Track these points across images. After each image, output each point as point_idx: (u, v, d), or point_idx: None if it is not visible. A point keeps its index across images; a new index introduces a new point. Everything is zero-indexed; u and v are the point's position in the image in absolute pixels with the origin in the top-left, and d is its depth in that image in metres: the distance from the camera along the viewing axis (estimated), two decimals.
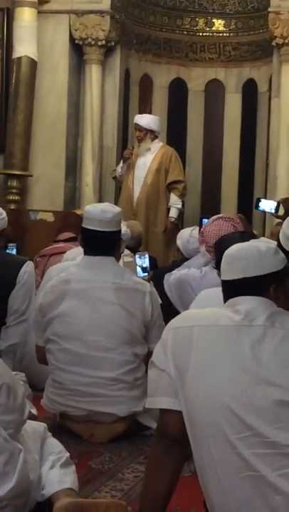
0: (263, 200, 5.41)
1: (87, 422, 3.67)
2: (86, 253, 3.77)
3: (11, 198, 6.72)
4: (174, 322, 2.19)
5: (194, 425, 2.04)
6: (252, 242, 2.27)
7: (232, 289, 2.09)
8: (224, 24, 7.96)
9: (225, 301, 2.16)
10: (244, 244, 2.18)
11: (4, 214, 4.43)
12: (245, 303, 2.04)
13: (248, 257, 2.06)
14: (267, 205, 5.15)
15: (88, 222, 3.71)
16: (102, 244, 3.69)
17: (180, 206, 6.79)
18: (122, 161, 6.72)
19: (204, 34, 8.07)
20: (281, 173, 6.71)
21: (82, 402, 3.62)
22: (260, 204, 5.29)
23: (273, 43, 6.63)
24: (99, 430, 3.67)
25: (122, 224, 3.95)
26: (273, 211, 4.99)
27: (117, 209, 3.87)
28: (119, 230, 3.84)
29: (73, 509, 2.42)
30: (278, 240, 2.46)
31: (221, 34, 8.04)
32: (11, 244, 5.03)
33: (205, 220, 4.27)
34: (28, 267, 4.40)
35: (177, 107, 8.04)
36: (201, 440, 2.03)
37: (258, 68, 7.78)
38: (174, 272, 4.48)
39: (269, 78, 7.31)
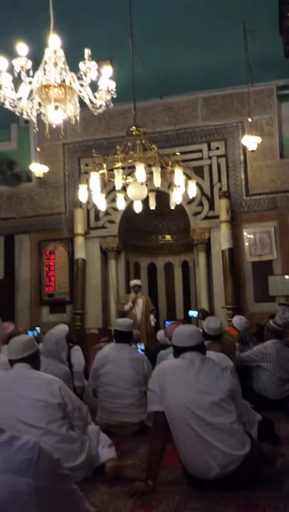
0: (191, 311, 8.61)
1: (118, 426, 4.38)
2: (116, 342, 4.68)
3: (76, 323, 9.31)
4: (157, 367, 2.88)
5: (171, 417, 2.59)
6: (190, 327, 2.94)
7: (181, 350, 2.79)
8: (170, 237, 10.68)
9: (174, 355, 2.81)
10: (187, 328, 2.89)
11: (67, 329, 5.23)
12: (189, 355, 2.75)
13: (188, 336, 2.83)
14: (194, 313, 8.24)
15: (118, 327, 4.75)
16: (123, 337, 4.63)
17: (155, 320, 9.32)
18: (131, 302, 9.01)
19: (161, 242, 10.78)
20: (202, 300, 9.20)
21: (115, 416, 4.43)
22: (190, 312, 8.43)
23: (193, 243, 9.41)
24: (124, 430, 4.37)
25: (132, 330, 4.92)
26: (196, 315, 8.07)
27: (131, 321, 4.97)
28: (132, 331, 4.88)
29: (115, 467, 3.03)
30: (203, 329, 4.41)
31: (169, 241, 10.69)
32: (72, 345, 5.87)
33: (167, 322, 6.11)
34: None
35: (151, 276, 10.56)
36: (175, 424, 2.58)
37: (188, 255, 10.21)
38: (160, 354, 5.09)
39: (193, 260, 9.64)
